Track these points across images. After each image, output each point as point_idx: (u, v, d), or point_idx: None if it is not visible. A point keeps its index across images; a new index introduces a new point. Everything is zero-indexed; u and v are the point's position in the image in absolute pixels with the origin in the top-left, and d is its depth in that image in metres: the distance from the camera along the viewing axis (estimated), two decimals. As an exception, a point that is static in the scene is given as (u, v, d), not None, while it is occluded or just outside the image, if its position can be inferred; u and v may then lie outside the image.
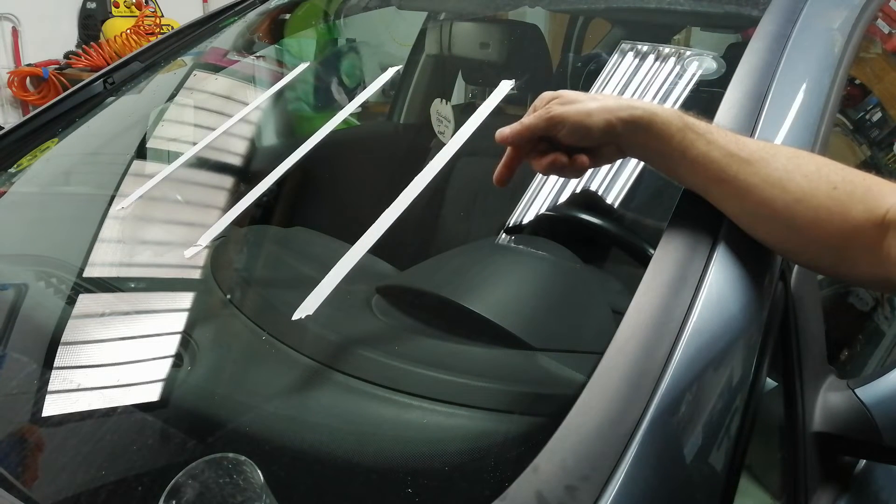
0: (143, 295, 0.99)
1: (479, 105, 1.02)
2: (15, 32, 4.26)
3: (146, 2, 4.60)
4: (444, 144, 0.98)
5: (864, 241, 0.58)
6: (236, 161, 1.33)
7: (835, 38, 0.86)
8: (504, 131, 0.71)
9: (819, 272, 0.71)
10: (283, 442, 0.69)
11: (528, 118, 0.71)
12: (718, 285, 0.63)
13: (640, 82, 1.02)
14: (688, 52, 1.02)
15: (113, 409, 0.74)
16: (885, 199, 0.58)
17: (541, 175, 1.00)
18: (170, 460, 0.68)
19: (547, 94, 0.72)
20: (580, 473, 0.52)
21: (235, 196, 1.11)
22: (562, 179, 0.97)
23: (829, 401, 0.72)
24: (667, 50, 1.04)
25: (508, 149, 0.74)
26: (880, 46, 1.18)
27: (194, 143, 1.21)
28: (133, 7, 4.56)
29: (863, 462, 0.78)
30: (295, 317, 0.76)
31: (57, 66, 4.30)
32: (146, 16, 4.47)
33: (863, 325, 1.12)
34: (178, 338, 0.87)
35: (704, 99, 0.95)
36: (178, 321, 0.91)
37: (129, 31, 4.32)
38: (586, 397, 0.56)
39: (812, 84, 0.80)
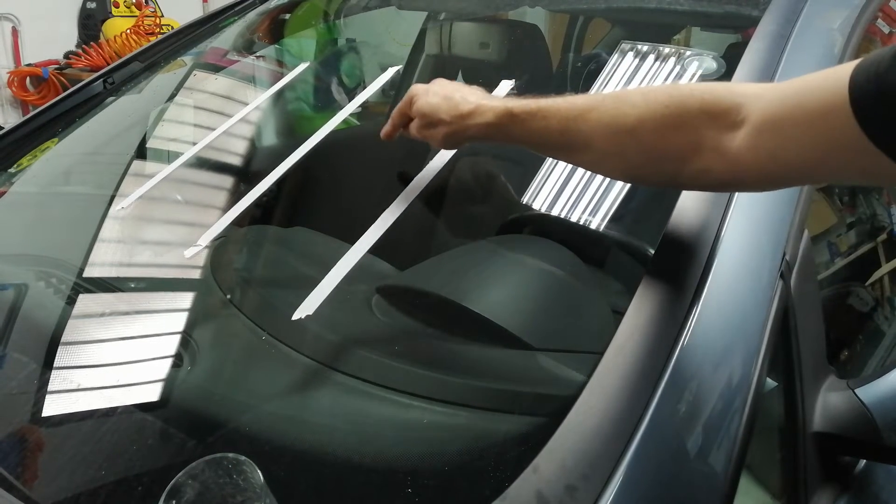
0: (143, 295, 0.99)
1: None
2: (15, 32, 4.26)
3: (146, 2, 4.60)
4: (444, 144, 0.98)
5: (711, 143, 0.58)
6: (236, 161, 1.33)
7: (835, 38, 0.86)
8: (385, 130, 0.91)
9: (675, 187, 0.71)
10: (283, 442, 0.69)
11: (396, 119, 0.88)
12: (718, 285, 0.63)
13: (640, 82, 1.02)
14: (688, 52, 1.02)
15: (113, 409, 0.74)
16: (727, 103, 0.58)
17: (541, 177, 1.01)
18: (170, 460, 0.68)
19: (411, 96, 0.84)
20: (580, 473, 0.52)
21: (235, 196, 1.11)
22: (562, 181, 0.98)
23: (829, 401, 0.72)
24: (667, 50, 1.04)
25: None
26: (880, 46, 1.18)
27: (194, 144, 1.21)
28: (133, 7, 4.56)
29: (863, 462, 0.78)
30: (295, 317, 0.76)
31: (57, 66, 4.30)
32: (146, 16, 4.47)
33: (863, 325, 1.12)
34: (178, 338, 0.87)
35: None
36: (178, 321, 0.91)
37: (129, 31, 4.32)
38: (586, 397, 0.56)
39: (812, 84, 0.80)
